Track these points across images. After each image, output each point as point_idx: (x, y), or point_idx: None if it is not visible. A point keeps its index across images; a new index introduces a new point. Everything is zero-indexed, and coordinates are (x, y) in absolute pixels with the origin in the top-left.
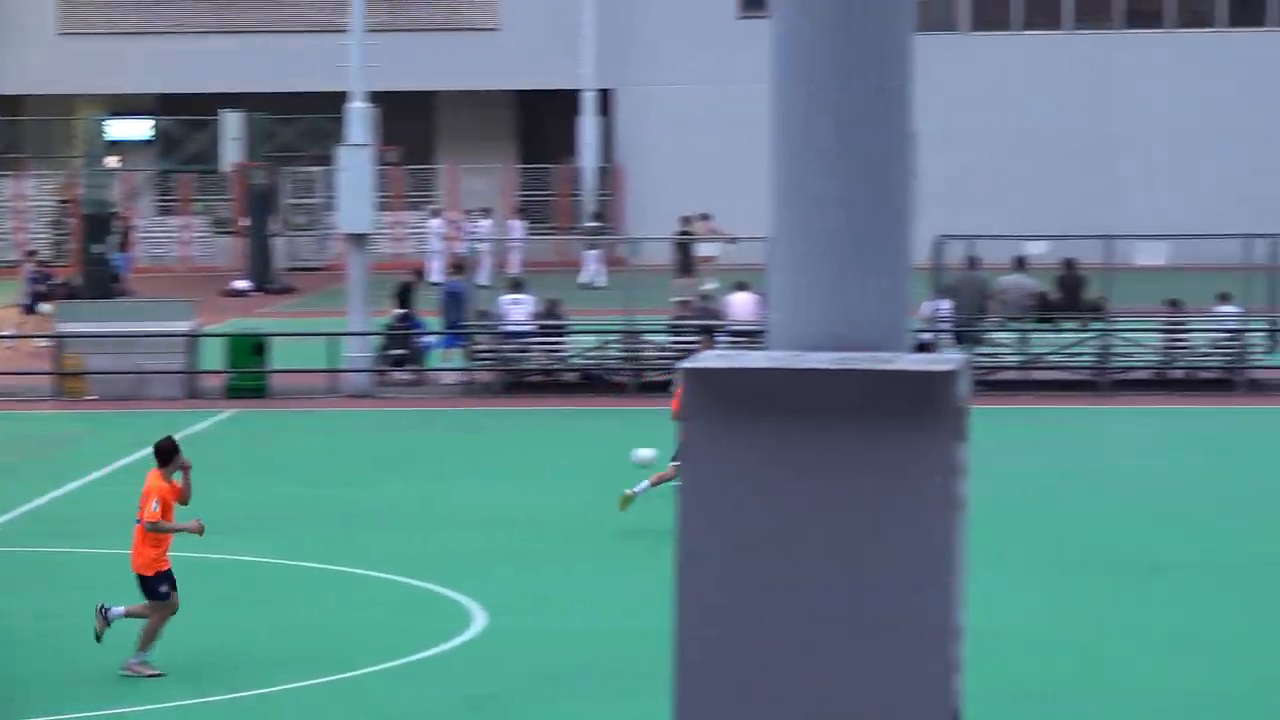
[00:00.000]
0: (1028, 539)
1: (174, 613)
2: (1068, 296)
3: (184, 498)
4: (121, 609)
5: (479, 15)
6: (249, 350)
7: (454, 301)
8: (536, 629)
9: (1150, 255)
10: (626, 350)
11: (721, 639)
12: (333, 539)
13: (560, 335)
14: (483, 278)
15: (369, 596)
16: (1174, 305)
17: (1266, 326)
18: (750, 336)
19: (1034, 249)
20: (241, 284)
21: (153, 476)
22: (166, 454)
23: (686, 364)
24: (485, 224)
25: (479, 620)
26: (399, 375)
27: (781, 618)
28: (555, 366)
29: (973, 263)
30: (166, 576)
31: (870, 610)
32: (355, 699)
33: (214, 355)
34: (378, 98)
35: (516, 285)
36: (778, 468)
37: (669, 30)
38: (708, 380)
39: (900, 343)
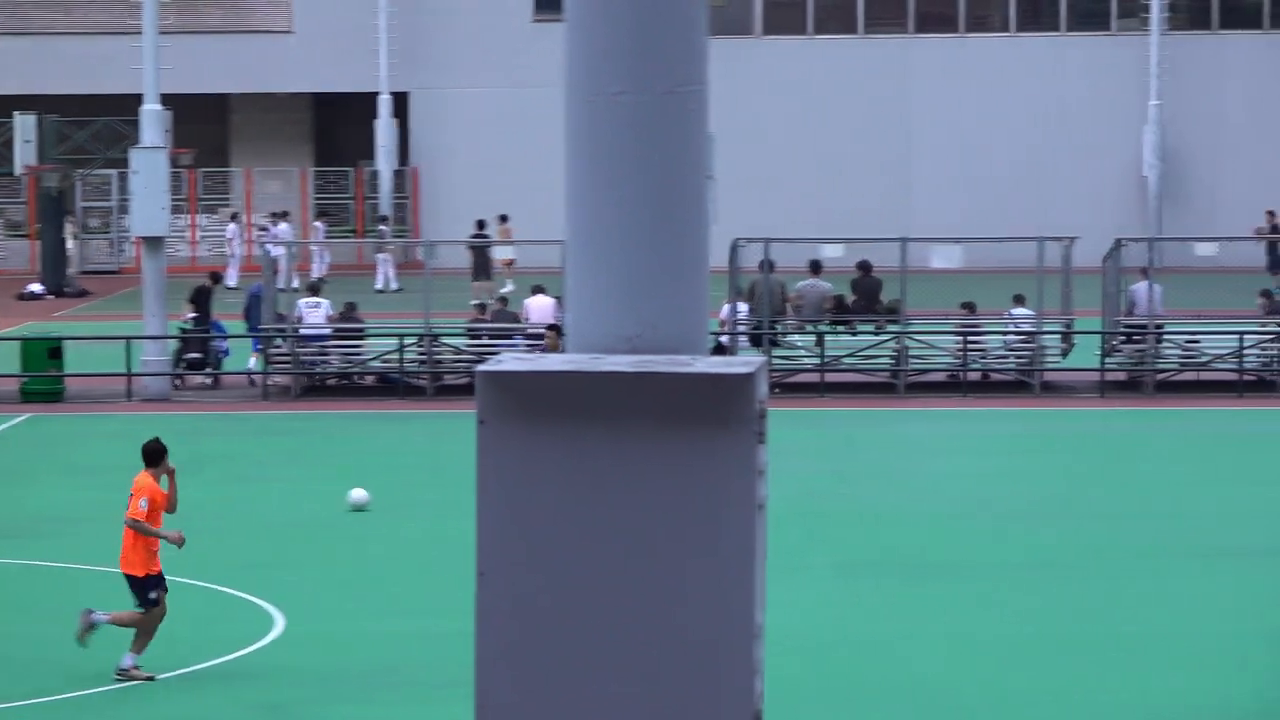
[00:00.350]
0: (826, 540)
1: (162, 618)
2: (864, 299)
3: (171, 505)
4: (106, 615)
5: (273, 18)
6: (43, 354)
7: (257, 304)
8: (335, 633)
9: (945, 259)
10: (424, 354)
11: (521, 643)
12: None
13: (358, 339)
14: (281, 281)
15: (168, 602)
16: (969, 308)
17: (1060, 329)
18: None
19: (830, 252)
20: (36, 287)
21: (143, 476)
22: (155, 455)
23: (483, 367)
24: (284, 227)
25: (278, 625)
26: (195, 379)
27: (582, 622)
28: (353, 370)
29: (769, 265)
30: (158, 580)
31: (672, 613)
32: (151, 705)
33: (8, 359)
34: (171, 100)
35: (314, 289)
36: (577, 471)
37: (464, 33)
38: (505, 383)
39: (698, 345)
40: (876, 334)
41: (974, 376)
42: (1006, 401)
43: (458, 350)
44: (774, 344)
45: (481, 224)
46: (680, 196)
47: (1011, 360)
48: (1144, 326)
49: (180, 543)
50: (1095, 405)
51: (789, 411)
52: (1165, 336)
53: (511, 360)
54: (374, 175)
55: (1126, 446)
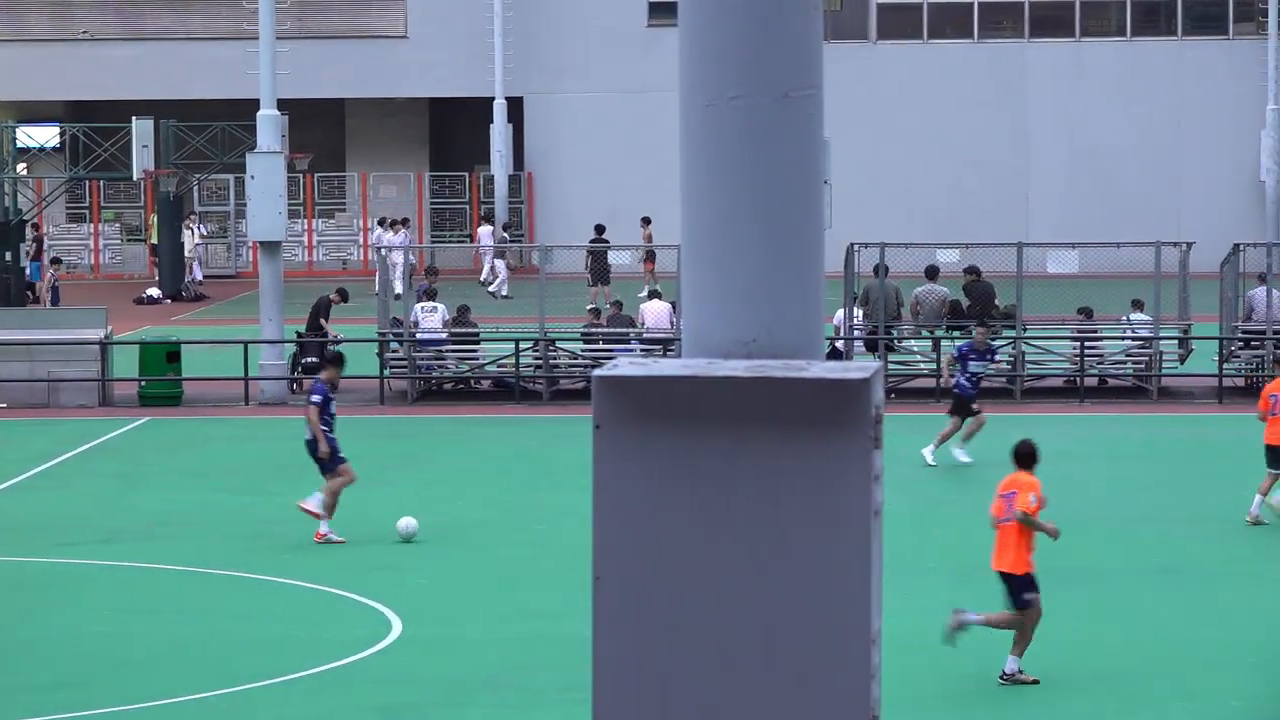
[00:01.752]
0: (942, 545)
1: (1039, 618)
2: (978, 304)
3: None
4: (979, 616)
5: (388, 23)
6: (162, 358)
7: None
8: (453, 638)
9: (1061, 264)
10: (540, 358)
11: (638, 649)
12: (248, 547)
13: (473, 343)
14: (400, 286)
15: (286, 605)
16: (1086, 313)
17: (1178, 334)
18: (663, 345)
19: (946, 257)
20: (153, 292)
21: (1024, 475)
22: (1030, 457)
23: (599, 372)
24: (402, 235)
25: (395, 629)
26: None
27: (699, 628)
28: (468, 374)
29: (885, 270)
30: (1033, 580)
31: (789, 619)
32: (270, 708)
33: (127, 363)
34: (288, 105)
35: (430, 293)
36: (692, 476)
37: (578, 38)
38: (620, 388)
39: (814, 350)
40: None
41: (1091, 382)
42: (1124, 407)
43: (573, 355)
44: (889, 349)
45: (600, 228)
46: (795, 201)
47: (1129, 366)
48: (1262, 332)
49: (1056, 534)
50: (1213, 411)
51: (905, 417)
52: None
53: (627, 365)
54: (489, 180)
55: (1245, 452)
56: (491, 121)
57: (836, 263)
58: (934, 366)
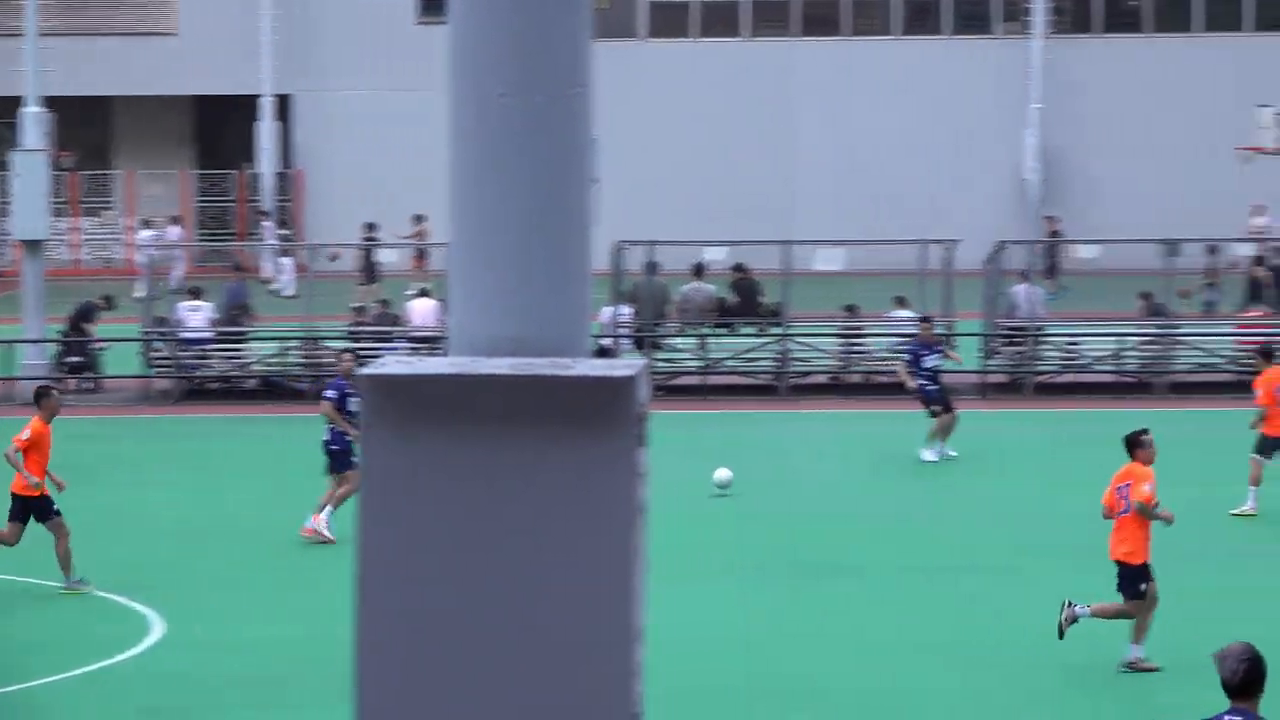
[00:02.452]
0: (708, 542)
1: (1154, 606)
2: (744, 301)
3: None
4: (1088, 608)
5: (156, 20)
6: None
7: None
8: (216, 639)
9: (828, 261)
10: (307, 357)
11: (403, 649)
12: (13, 548)
13: (240, 342)
14: (173, 283)
15: (49, 606)
16: (851, 310)
17: (943, 331)
18: (430, 343)
19: (713, 255)
20: None
21: (1138, 466)
22: (1137, 444)
23: (365, 370)
24: (174, 230)
25: (158, 630)
26: (75, 383)
27: (464, 626)
28: (235, 373)
29: (652, 268)
30: (1147, 569)
31: (553, 617)
32: (29, 710)
33: None
34: (53, 103)
35: (195, 292)
36: (459, 475)
37: (347, 36)
38: (386, 387)
39: (581, 348)
40: (759, 336)
41: (856, 378)
42: (889, 403)
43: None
44: (656, 347)
45: (371, 226)
46: (563, 199)
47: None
48: (1024, 328)
49: (1172, 520)
50: (976, 407)
51: (672, 414)
52: (1045, 338)
53: (394, 363)
54: (256, 178)
55: (1006, 447)
56: (258, 119)
57: (605, 260)
58: (700, 364)
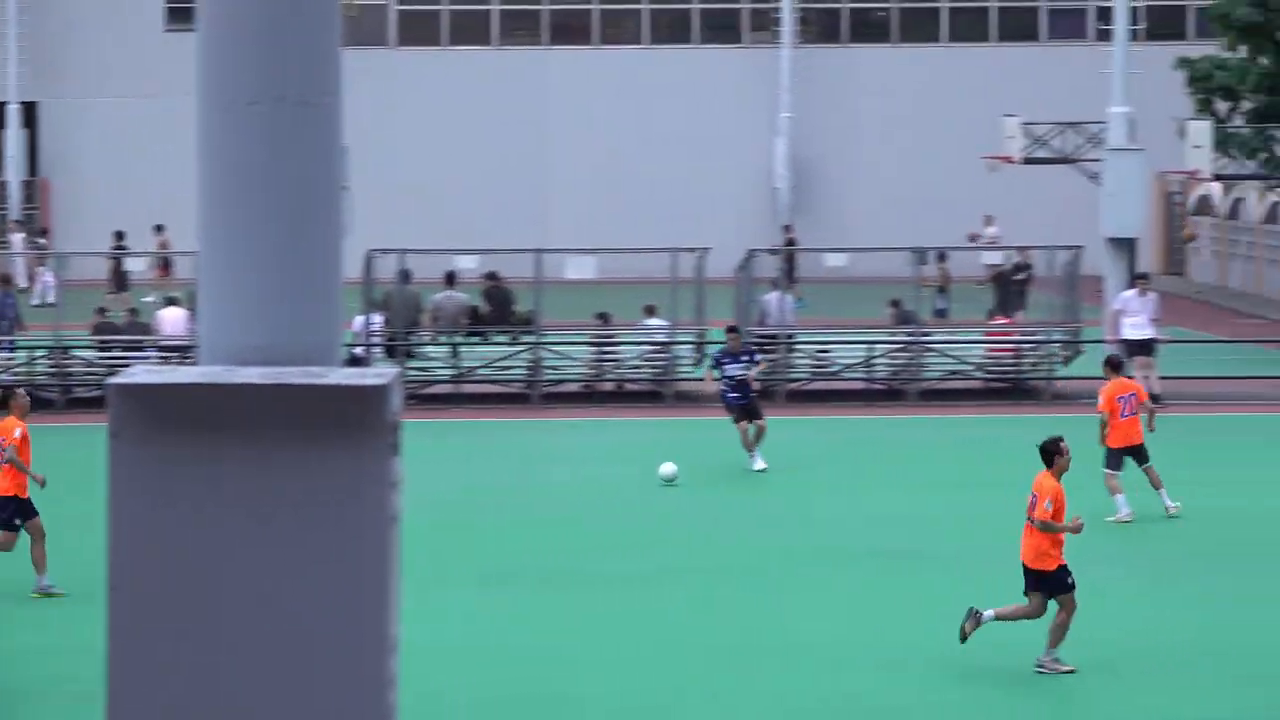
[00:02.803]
0: (462, 551)
1: (1074, 610)
2: (497, 310)
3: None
4: (991, 612)
5: None
6: None
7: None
8: None
9: (579, 269)
10: (55, 366)
11: (155, 660)
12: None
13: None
14: None
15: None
16: (603, 319)
17: (694, 339)
18: (180, 352)
19: (465, 263)
20: None
21: (1043, 477)
22: (1050, 454)
23: (114, 379)
24: None
25: None
26: None
27: (216, 637)
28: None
29: (404, 277)
30: (1064, 571)
31: (307, 626)
32: None
33: None
34: None
35: None
36: (211, 484)
37: (95, 43)
38: (137, 396)
39: (333, 357)
40: (511, 345)
41: (609, 386)
42: (641, 411)
43: (88, 362)
44: (409, 355)
45: (120, 235)
46: (314, 207)
47: (645, 370)
48: (774, 336)
49: (1079, 530)
50: (726, 415)
51: (425, 423)
52: (796, 346)
53: (143, 372)
54: (1, 186)
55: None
56: (4, 126)
57: (356, 269)
58: (452, 372)
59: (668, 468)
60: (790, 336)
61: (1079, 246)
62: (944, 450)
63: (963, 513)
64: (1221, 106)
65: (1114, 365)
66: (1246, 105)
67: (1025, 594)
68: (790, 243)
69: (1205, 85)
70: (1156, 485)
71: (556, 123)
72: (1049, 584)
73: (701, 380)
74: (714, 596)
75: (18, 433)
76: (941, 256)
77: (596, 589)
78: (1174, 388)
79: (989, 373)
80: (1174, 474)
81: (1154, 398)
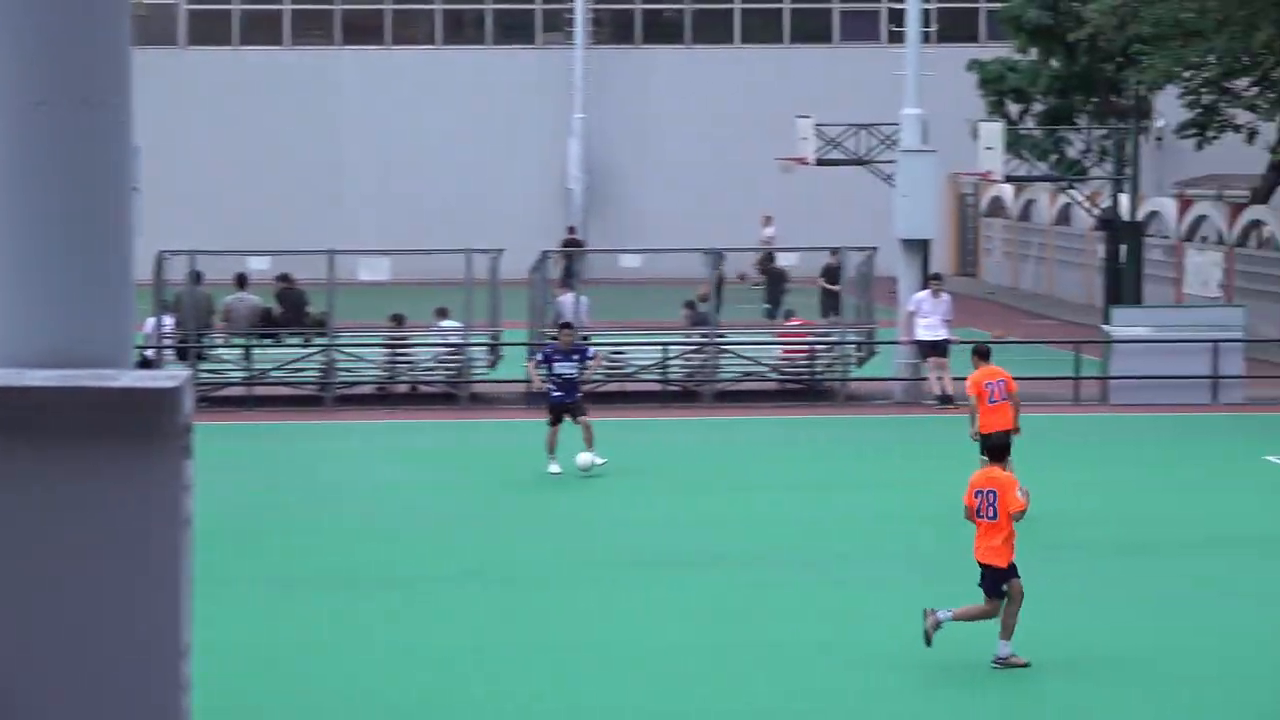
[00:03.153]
0: (257, 555)
1: (1020, 601)
2: (290, 312)
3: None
4: (949, 612)
5: None
6: None
7: None
8: None
9: (372, 271)
10: None
11: None
12: None
13: None
14: None
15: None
16: (397, 320)
17: (488, 341)
18: None
19: (257, 264)
20: None
21: (993, 470)
22: (1004, 450)
23: None
24: None
25: None
26: None
27: (9, 644)
28: None
29: (195, 278)
30: (1013, 569)
31: (100, 631)
32: None
33: None
34: None
35: None
36: (2, 489)
37: None
38: None
39: (124, 359)
40: (304, 347)
41: (403, 389)
42: (435, 413)
43: None
44: (200, 357)
45: None
46: (104, 208)
47: (440, 372)
48: None
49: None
50: (521, 416)
51: (217, 426)
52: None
53: None
54: None
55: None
56: None
57: (147, 271)
58: (245, 374)
59: (584, 458)
60: (585, 338)
61: (873, 248)
62: (740, 452)
63: (759, 515)
64: (1013, 108)
65: (982, 354)
66: (1038, 107)
67: (987, 593)
68: (572, 243)
69: (997, 87)
70: None
71: (349, 123)
72: (1002, 579)
73: (500, 381)
74: (502, 600)
75: None
76: (719, 257)
77: (389, 592)
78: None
79: (784, 374)
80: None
81: (946, 398)
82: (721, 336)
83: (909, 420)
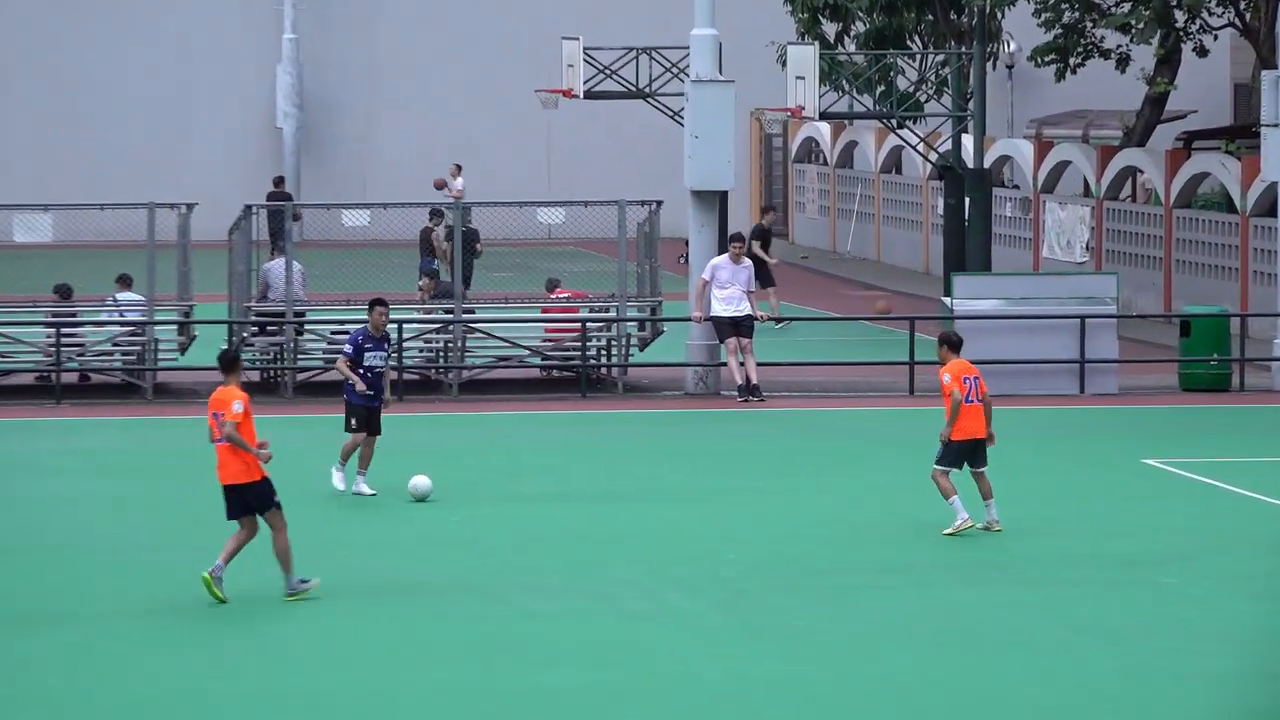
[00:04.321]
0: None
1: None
2: None
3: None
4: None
5: None
6: None
7: None
8: None
9: (32, 231)
10: None
11: None
12: None
13: None
14: None
15: None
16: (63, 293)
17: (176, 319)
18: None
19: None
20: None
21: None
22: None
23: None
24: None
25: None
26: None
27: None
28: None
29: None
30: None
31: None
32: None
33: None
34: None
35: None
36: None
37: None
38: None
39: None
40: None
41: (71, 378)
42: (112, 409)
43: None
44: None
45: None
46: None
47: (117, 357)
48: (281, 314)
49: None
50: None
51: None
52: (307, 326)
53: None
54: None
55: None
56: None
57: None
58: None
59: (420, 482)
60: (300, 314)
61: (656, 201)
62: (496, 455)
63: (520, 533)
64: (830, 29)
65: (953, 345)
66: (860, 28)
67: None
68: (280, 196)
69: (810, 3)
70: (986, 495)
71: (8, 57)
72: None
73: (191, 369)
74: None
75: None
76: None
77: (60, 632)
78: (774, 376)
79: (548, 359)
80: (790, 481)
81: (750, 389)
82: (470, 312)
83: (705, 416)
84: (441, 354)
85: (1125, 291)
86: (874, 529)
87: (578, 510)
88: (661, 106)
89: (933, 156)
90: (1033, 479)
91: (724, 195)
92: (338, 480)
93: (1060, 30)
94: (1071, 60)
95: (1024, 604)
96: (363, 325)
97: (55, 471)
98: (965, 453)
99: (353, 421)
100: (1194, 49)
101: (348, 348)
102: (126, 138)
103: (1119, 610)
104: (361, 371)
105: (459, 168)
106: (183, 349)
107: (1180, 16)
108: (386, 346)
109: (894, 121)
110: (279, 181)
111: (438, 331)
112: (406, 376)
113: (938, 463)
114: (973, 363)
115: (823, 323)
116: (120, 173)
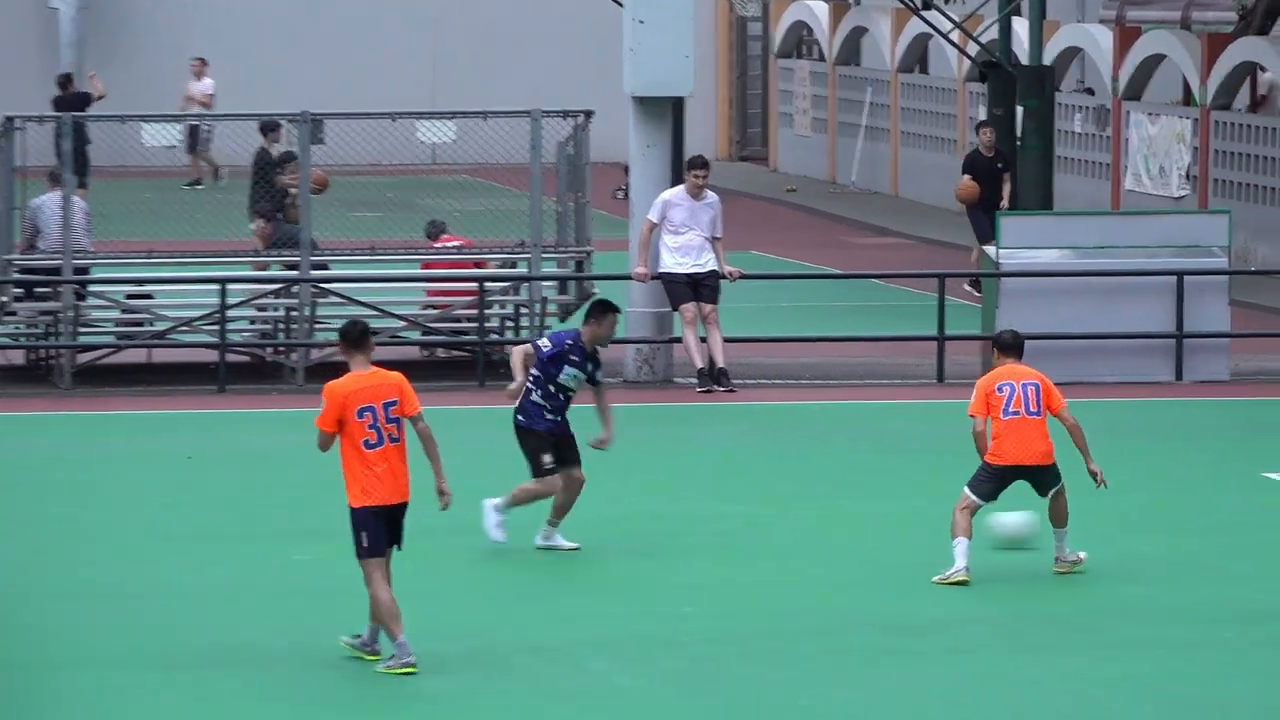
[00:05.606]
0: None
1: None
2: None
3: None
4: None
5: None
6: None
7: None
8: None
9: None
10: None
11: None
12: None
13: None
14: None
15: None
16: None
17: None
18: None
19: None
20: None
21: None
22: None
23: None
24: None
25: None
26: None
27: None
28: None
29: None
30: None
31: None
32: None
33: None
34: None
35: None
36: None
37: None
38: None
39: None
40: None
41: None
42: None
43: None
44: None
45: None
46: None
47: None
48: (55, 269)
49: None
50: None
51: None
52: (92, 288)
53: None
54: None
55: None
56: None
57: None
58: None
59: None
60: (83, 270)
61: (585, 112)
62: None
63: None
64: None
65: (1003, 345)
66: None
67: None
68: (67, 103)
69: None
70: (1058, 522)
71: None
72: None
73: None
74: None
75: None
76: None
77: None
78: (748, 356)
79: (430, 332)
80: (772, 506)
81: (716, 375)
82: (321, 268)
83: (651, 412)
84: (282, 326)
85: (1240, 238)
86: (892, 571)
87: (459, 550)
88: None
89: (972, 49)
90: (1115, 500)
91: (679, 103)
92: (495, 529)
93: None
94: None
95: (1109, 678)
96: (573, 330)
97: None
98: (1006, 481)
99: (545, 459)
100: None
101: (545, 344)
102: None
103: (1244, 684)
104: (552, 390)
105: (203, 63)
106: None
107: None
108: (591, 369)
109: (917, 1)
110: (65, 82)
111: (276, 295)
112: (231, 358)
113: (969, 485)
114: (1032, 337)
115: (817, 282)
116: None
